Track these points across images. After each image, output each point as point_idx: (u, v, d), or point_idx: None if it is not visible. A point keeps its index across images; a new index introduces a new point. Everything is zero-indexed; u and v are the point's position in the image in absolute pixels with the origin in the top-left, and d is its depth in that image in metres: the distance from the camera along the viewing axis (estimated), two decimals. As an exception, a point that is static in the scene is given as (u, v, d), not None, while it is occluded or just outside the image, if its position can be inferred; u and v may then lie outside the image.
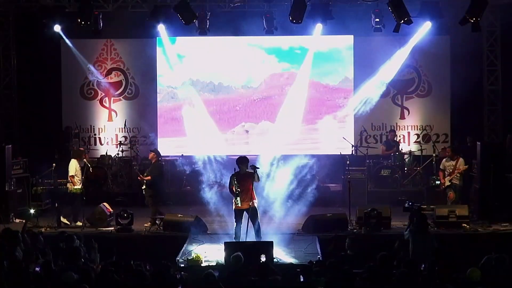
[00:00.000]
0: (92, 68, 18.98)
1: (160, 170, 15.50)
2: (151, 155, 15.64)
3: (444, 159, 15.85)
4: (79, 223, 14.73)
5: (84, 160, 16.50)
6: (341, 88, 18.97)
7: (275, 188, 14.15)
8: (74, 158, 15.18)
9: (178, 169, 17.52)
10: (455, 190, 15.53)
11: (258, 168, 12.84)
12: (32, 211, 14.87)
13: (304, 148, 18.50)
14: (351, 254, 11.16)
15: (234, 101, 19.03)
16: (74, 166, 14.95)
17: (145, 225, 14.73)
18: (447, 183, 15.51)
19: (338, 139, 18.28)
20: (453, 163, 15.57)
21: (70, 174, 14.92)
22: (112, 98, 19.33)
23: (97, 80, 19.17)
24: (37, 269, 9.43)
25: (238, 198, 12.68)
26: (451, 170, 15.55)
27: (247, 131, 18.94)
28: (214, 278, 9.18)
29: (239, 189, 12.64)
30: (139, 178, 15.33)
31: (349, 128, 18.81)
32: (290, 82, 18.89)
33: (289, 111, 18.78)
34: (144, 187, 15.07)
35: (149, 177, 15.04)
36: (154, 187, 15.07)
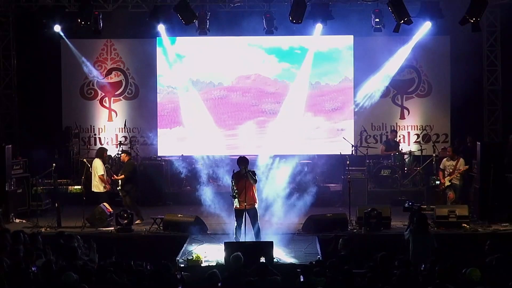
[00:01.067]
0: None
1: (133, 169, 15.48)
2: (122, 156, 15.79)
3: (445, 159, 15.88)
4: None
5: (84, 160, 16.56)
6: (341, 88, 18.97)
7: (275, 188, 14.12)
8: (98, 158, 15.35)
9: (178, 169, 17.50)
10: (455, 190, 15.56)
11: (250, 170, 12.82)
12: None
13: (304, 148, 18.51)
14: (346, 254, 11.15)
15: (234, 101, 19.02)
16: (101, 166, 15.12)
17: (136, 222, 14.73)
18: (447, 183, 15.55)
19: (338, 139, 18.28)
20: (453, 163, 15.61)
21: (100, 173, 15.04)
22: (112, 98, 19.34)
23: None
24: (34, 269, 9.42)
25: (236, 199, 12.68)
26: (451, 170, 15.58)
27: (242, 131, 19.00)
28: (218, 279, 9.18)
29: (236, 190, 12.64)
30: (113, 178, 15.44)
31: (349, 128, 18.81)
32: (290, 82, 18.89)
33: (289, 111, 18.78)
34: (119, 187, 15.15)
35: (122, 176, 15.12)
36: (128, 185, 15.15)
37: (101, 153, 15.51)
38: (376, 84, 18.74)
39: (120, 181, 15.17)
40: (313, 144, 18.74)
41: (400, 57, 18.53)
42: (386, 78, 18.74)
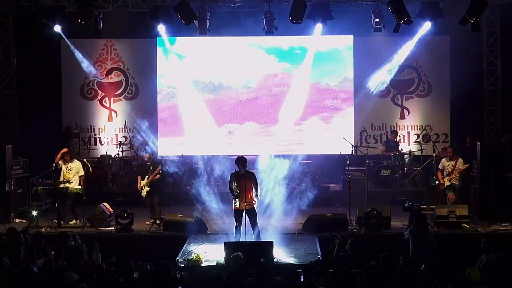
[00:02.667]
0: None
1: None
2: (148, 156, 15.64)
3: (444, 159, 15.88)
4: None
5: (85, 160, 16.55)
6: (341, 88, 18.97)
7: (275, 188, 14.12)
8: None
9: (178, 169, 17.50)
10: (455, 191, 15.56)
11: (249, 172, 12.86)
12: (34, 212, 14.81)
13: (304, 148, 18.50)
14: (350, 254, 11.15)
15: (234, 101, 19.02)
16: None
17: (147, 223, 14.73)
18: (447, 183, 15.55)
19: (338, 139, 18.28)
20: (452, 163, 15.62)
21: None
22: (112, 98, 19.34)
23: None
24: (35, 268, 9.43)
25: (237, 199, 12.69)
26: (450, 170, 15.58)
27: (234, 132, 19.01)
28: (222, 280, 9.18)
29: (238, 190, 12.65)
30: (149, 177, 15.25)
31: (349, 128, 18.81)
32: (289, 82, 18.89)
33: (289, 111, 18.79)
34: (148, 188, 15.05)
35: (158, 176, 15.04)
36: (159, 187, 15.15)
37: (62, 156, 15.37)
38: (376, 84, 18.75)
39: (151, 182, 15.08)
40: (313, 144, 18.74)
41: (400, 57, 18.54)
42: (386, 78, 18.75)
